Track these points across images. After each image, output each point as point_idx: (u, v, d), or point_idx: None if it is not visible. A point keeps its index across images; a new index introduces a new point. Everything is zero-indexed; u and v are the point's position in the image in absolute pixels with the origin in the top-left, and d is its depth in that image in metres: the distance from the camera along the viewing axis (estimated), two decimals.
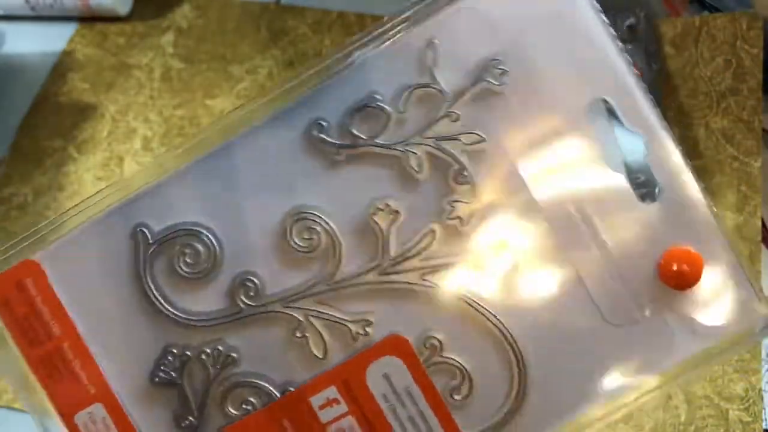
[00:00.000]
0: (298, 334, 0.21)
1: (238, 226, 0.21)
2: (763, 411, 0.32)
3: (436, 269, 0.21)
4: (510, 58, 0.20)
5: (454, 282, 0.21)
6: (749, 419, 0.32)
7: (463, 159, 0.21)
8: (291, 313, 0.21)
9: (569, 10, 0.20)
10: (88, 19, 0.44)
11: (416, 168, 0.21)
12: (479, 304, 0.21)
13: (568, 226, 0.21)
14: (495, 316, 0.21)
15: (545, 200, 0.21)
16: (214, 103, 0.41)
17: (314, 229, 0.21)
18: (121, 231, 0.21)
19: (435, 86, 0.21)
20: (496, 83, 0.20)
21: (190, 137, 0.22)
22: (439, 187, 0.21)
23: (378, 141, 0.21)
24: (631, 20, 0.39)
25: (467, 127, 0.21)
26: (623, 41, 0.38)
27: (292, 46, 0.42)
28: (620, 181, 0.21)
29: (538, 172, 0.21)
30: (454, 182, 0.21)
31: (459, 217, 0.21)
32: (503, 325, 0.21)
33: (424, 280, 0.21)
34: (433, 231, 0.21)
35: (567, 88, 0.20)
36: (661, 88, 0.38)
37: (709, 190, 0.36)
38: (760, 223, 0.35)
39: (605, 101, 0.21)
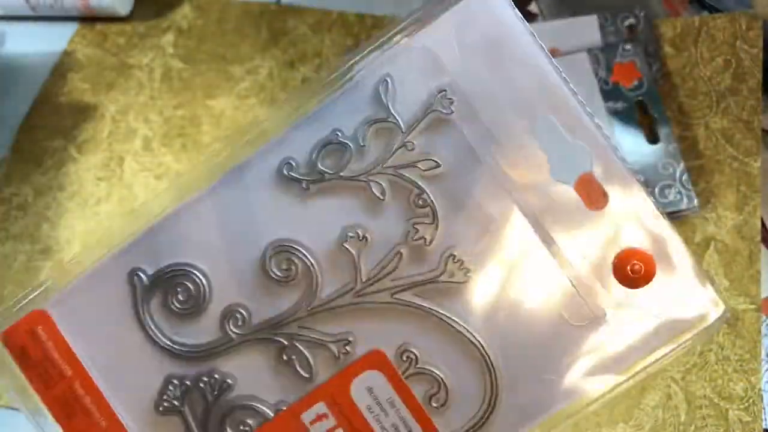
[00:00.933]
0: (285, 357, 0.23)
1: (223, 262, 0.23)
2: (763, 411, 0.32)
3: (405, 287, 0.23)
4: (457, 87, 0.22)
5: (423, 297, 0.23)
6: (749, 419, 0.32)
7: (422, 184, 0.22)
8: (277, 338, 0.23)
9: (507, 38, 0.22)
10: (89, 19, 0.44)
11: (380, 196, 0.23)
12: (448, 316, 0.23)
13: (525, 237, 0.22)
14: (464, 326, 0.23)
15: (500, 214, 0.22)
16: (214, 104, 0.41)
17: (292, 259, 0.23)
18: (118, 277, 0.23)
19: (390, 119, 0.22)
20: (445, 112, 0.22)
21: (172, 183, 0.24)
22: (402, 212, 0.23)
23: (343, 174, 0.23)
24: (631, 20, 0.39)
25: (423, 154, 0.22)
26: (623, 41, 0.38)
27: (293, 47, 0.43)
28: (569, 191, 0.22)
29: (491, 189, 0.23)
30: (416, 206, 0.23)
31: (423, 238, 0.22)
32: (472, 334, 0.23)
33: (395, 298, 0.23)
34: (400, 252, 0.23)
35: (511, 110, 0.22)
36: (661, 88, 0.38)
37: (708, 190, 0.36)
38: (759, 223, 0.35)
39: (548, 119, 0.22)
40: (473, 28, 0.22)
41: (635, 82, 0.37)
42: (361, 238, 0.23)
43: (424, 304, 0.23)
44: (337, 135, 0.23)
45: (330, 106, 0.23)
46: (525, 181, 0.22)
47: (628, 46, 0.38)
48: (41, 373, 0.23)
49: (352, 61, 0.23)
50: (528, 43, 0.22)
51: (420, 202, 0.22)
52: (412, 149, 0.22)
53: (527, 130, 0.22)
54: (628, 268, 0.22)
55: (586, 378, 0.22)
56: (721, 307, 0.22)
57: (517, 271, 0.22)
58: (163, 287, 0.23)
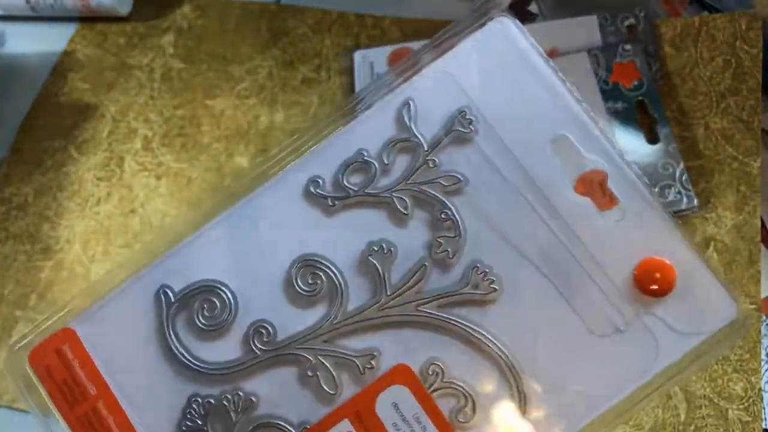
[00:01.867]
0: (310, 373, 0.23)
1: (250, 278, 0.23)
2: (763, 411, 0.32)
3: (430, 299, 0.23)
4: (476, 108, 0.23)
5: (448, 310, 0.23)
6: (749, 419, 0.32)
7: (445, 199, 0.23)
8: (302, 354, 0.23)
9: (521, 63, 0.23)
10: (89, 19, 0.44)
11: (404, 211, 0.23)
12: (473, 329, 0.23)
13: (547, 249, 0.23)
14: (489, 339, 0.23)
15: (522, 227, 0.23)
16: (214, 104, 0.41)
17: (317, 273, 0.23)
18: (145, 294, 0.24)
19: (413, 139, 0.23)
20: (466, 131, 0.23)
21: (202, 202, 0.24)
22: (426, 226, 0.23)
23: (368, 190, 0.23)
24: (631, 20, 0.39)
25: (445, 171, 0.23)
26: (623, 41, 0.38)
27: (293, 46, 0.43)
28: (588, 204, 0.23)
29: (513, 202, 0.23)
30: (439, 220, 0.23)
31: (447, 251, 0.23)
32: (497, 347, 0.22)
33: (419, 310, 0.23)
34: (424, 265, 0.23)
35: (528, 128, 0.23)
36: (661, 88, 0.38)
37: (708, 190, 0.36)
38: (759, 223, 0.35)
39: (564, 136, 0.23)
40: (490, 54, 0.24)
41: (635, 82, 0.37)
42: (386, 252, 0.23)
43: (449, 317, 0.23)
44: (363, 154, 0.24)
45: (355, 128, 0.24)
46: (545, 195, 0.23)
47: (628, 46, 0.38)
48: (65, 392, 0.23)
49: (375, 86, 0.24)
50: (541, 66, 0.23)
51: (443, 216, 0.23)
52: (435, 166, 0.23)
53: (544, 146, 0.23)
54: (650, 278, 0.22)
55: (613, 388, 0.22)
56: (740, 313, 0.22)
57: (541, 281, 0.23)
58: (190, 303, 0.23)
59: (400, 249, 0.23)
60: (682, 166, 0.35)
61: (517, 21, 0.24)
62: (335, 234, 0.24)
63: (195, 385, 0.23)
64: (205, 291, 0.23)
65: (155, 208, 0.39)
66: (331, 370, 0.23)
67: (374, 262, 0.23)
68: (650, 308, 0.22)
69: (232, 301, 0.23)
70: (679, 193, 0.35)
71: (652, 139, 0.36)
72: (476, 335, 0.23)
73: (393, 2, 0.43)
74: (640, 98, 0.37)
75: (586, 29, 0.39)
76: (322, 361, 0.23)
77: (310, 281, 0.23)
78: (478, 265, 0.23)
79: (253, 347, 0.23)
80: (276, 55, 0.42)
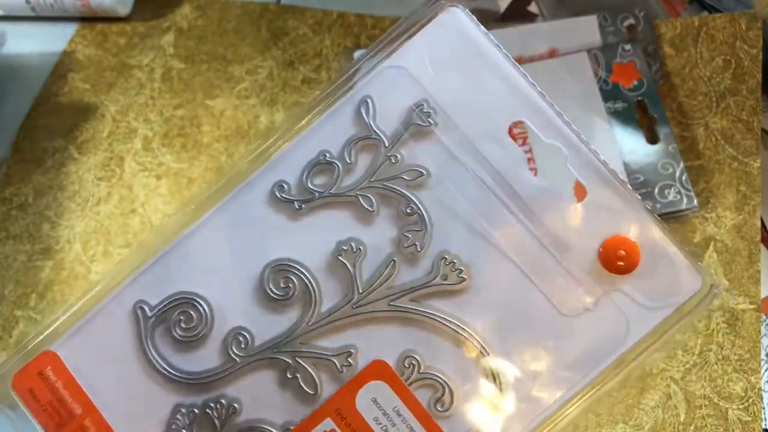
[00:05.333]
0: (289, 375, 0.23)
1: (223, 287, 0.24)
2: (763, 411, 0.32)
3: (401, 294, 0.23)
4: (433, 100, 0.24)
5: (420, 302, 0.23)
6: (748, 419, 0.32)
7: (409, 193, 0.23)
8: (280, 357, 0.23)
9: (474, 52, 0.24)
10: (89, 19, 0.44)
11: (370, 208, 0.23)
12: (446, 319, 0.23)
13: (512, 235, 0.23)
14: (462, 327, 0.23)
15: (486, 214, 0.23)
16: (214, 104, 0.41)
17: (289, 277, 0.23)
18: (122, 311, 0.24)
19: (373, 136, 0.24)
20: (424, 124, 0.23)
21: (168, 218, 0.24)
22: (393, 221, 0.24)
23: (333, 191, 0.24)
24: (630, 20, 0.39)
25: (407, 165, 0.24)
26: (623, 41, 0.38)
27: (293, 47, 0.43)
28: (551, 187, 0.23)
29: (476, 191, 0.23)
30: (405, 214, 0.23)
31: (414, 244, 0.23)
32: (471, 335, 0.23)
33: (392, 305, 0.23)
34: (393, 260, 0.23)
35: (485, 117, 0.23)
36: (661, 88, 0.38)
37: (708, 190, 0.36)
38: (759, 223, 0.35)
39: (522, 122, 0.23)
40: (442, 46, 0.24)
41: (635, 82, 0.37)
42: (355, 250, 0.23)
43: (421, 309, 0.23)
44: (325, 155, 0.24)
45: (316, 130, 0.24)
46: (507, 181, 0.23)
47: (627, 46, 0.38)
48: (52, 413, 0.23)
49: (333, 86, 0.24)
50: (494, 55, 0.24)
51: (408, 211, 0.23)
52: (397, 162, 0.24)
53: (503, 133, 0.23)
54: (614, 256, 0.22)
55: (588, 366, 0.23)
56: (708, 284, 0.22)
57: (508, 267, 0.23)
58: (166, 316, 0.24)
59: (369, 246, 0.23)
60: (682, 166, 0.36)
61: (468, 11, 0.24)
62: (304, 237, 0.24)
63: (178, 396, 0.23)
64: (181, 303, 0.24)
65: (155, 208, 0.39)
66: (310, 370, 0.23)
67: (344, 261, 0.23)
68: (617, 285, 0.23)
69: (207, 311, 0.23)
70: (679, 193, 0.35)
71: (652, 139, 0.36)
72: (449, 325, 0.23)
73: (393, 2, 0.43)
74: (639, 98, 0.37)
75: (585, 29, 0.39)
76: (301, 362, 0.23)
77: (282, 285, 0.23)
78: (446, 255, 0.23)
79: (232, 354, 0.23)
80: (276, 55, 0.42)
